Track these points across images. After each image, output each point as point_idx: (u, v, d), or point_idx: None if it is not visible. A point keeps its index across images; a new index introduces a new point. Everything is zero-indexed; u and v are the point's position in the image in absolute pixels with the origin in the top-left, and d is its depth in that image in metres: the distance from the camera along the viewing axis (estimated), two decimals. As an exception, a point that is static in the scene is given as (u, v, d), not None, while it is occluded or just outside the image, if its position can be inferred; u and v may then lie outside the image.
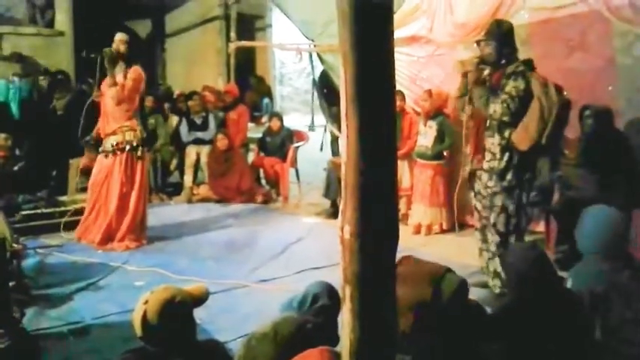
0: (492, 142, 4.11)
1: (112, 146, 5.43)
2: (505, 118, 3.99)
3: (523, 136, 3.96)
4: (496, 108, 4.02)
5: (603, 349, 2.45)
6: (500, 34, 4.05)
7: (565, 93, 4.08)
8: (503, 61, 4.05)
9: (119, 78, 5.44)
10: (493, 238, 4.14)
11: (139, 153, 5.49)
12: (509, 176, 4.06)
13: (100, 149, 5.56)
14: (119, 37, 5.47)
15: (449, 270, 1.94)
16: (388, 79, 1.14)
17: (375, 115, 1.13)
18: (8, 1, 9.31)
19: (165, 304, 2.23)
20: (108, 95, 5.47)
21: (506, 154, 4.04)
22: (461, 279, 1.94)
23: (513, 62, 4.04)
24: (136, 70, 5.47)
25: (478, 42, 4.18)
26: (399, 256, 1.50)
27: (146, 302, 2.21)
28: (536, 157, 4.15)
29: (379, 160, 1.15)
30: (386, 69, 1.14)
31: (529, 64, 4.08)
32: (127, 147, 5.41)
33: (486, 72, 4.15)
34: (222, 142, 7.50)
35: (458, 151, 5.84)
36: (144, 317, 2.17)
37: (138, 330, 2.20)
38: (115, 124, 5.45)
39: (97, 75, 5.46)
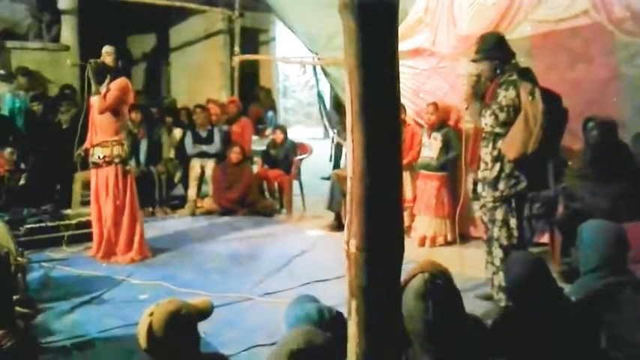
0: (485, 152, 4.13)
1: (99, 158, 5.43)
2: (497, 130, 4.01)
3: (510, 146, 3.96)
4: (487, 120, 4.05)
5: (608, 357, 2.43)
6: (491, 49, 4.07)
7: (563, 102, 4.07)
8: (498, 72, 4.08)
9: (103, 89, 5.44)
10: (497, 252, 4.12)
11: (127, 167, 5.51)
12: (501, 186, 4.05)
13: (90, 160, 5.56)
14: (105, 49, 5.52)
15: (423, 272, 1.86)
16: (393, 94, 1.15)
17: (381, 130, 1.14)
18: (14, 16, 9.40)
19: (171, 316, 2.22)
20: (94, 105, 5.49)
21: (498, 164, 4.05)
22: (426, 278, 1.83)
23: (507, 72, 4.05)
24: (121, 81, 5.47)
25: (474, 60, 4.21)
26: (405, 268, 1.49)
27: (152, 314, 2.21)
28: (532, 168, 4.12)
29: (385, 174, 1.15)
30: (391, 84, 1.15)
31: (524, 72, 4.09)
32: (117, 160, 5.42)
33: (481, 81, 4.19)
34: (236, 156, 7.51)
35: (462, 162, 5.86)
36: (149, 329, 2.17)
37: (143, 342, 2.19)
38: (103, 135, 5.45)
39: (85, 86, 5.49)
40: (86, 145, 5.59)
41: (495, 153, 4.06)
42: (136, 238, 5.54)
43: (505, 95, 3.97)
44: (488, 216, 4.17)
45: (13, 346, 2.66)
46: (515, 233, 4.07)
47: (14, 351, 2.65)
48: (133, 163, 6.34)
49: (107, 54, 5.49)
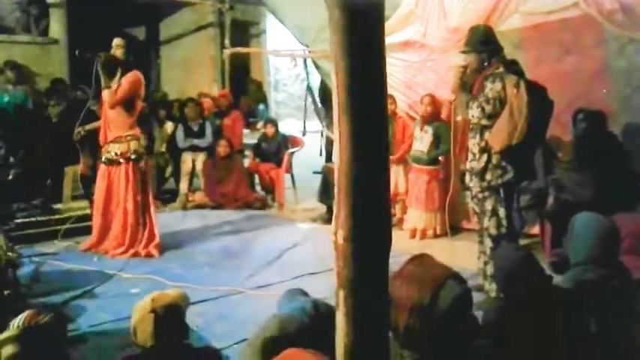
0: (473, 144, 4.20)
1: (116, 155, 5.33)
2: (483, 122, 4.07)
3: (496, 137, 4.02)
4: (474, 112, 4.10)
5: (599, 344, 2.45)
6: (480, 42, 4.12)
7: (550, 93, 4.11)
8: (485, 64, 4.11)
9: (114, 83, 5.33)
10: (487, 242, 4.18)
11: (142, 163, 5.42)
12: (488, 176, 4.12)
13: (103, 158, 5.45)
14: (116, 41, 5.41)
15: (455, 276, 1.88)
16: (380, 85, 1.15)
17: (367, 121, 1.14)
18: (2, 9, 9.31)
19: (172, 307, 2.24)
20: (105, 100, 5.39)
21: (485, 155, 4.11)
22: (463, 288, 1.88)
23: (494, 64, 4.08)
24: (134, 74, 5.36)
25: (463, 52, 4.25)
26: (397, 260, 1.50)
27: (152, 309, 2.21)
28: (519, 158, 4.15)
29: (372, 165, 1.16)
30: (378, 75, 1.15)
31: (511, 65, 4.12)
32: (134, 156, 5.33)
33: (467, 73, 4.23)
34: (223, 149, 7.50)
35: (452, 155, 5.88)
36: (156, 321, 2.17)
37: (143, 335, 2.19)
38: (118, 131, 5.35)
39: (93, 81, 5.35)
40: (100, 141, 5.49)
41: (483, 144, 4.12)
42: (156, 231, 5.50)
43: (491, 88, 4.03)
44: (479, 207, 4.22)
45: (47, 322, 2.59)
46: (505, 223, 4.13)
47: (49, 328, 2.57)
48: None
49: (117, 47, 5.37)
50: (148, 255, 5.39)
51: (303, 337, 1.72)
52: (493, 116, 4.02)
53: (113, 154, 5.36)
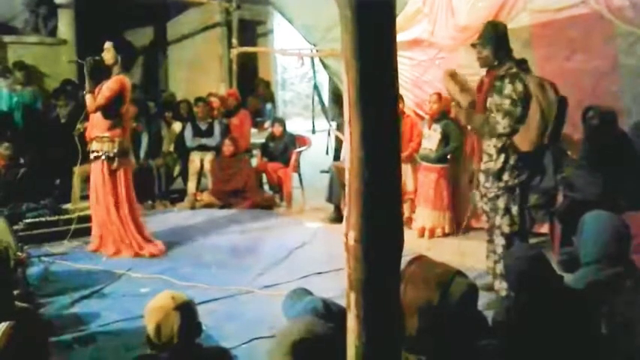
0: (488, 144, 4.13)
1: (95, 151, 5.44)
2: (504, 123, 3.98)
3: (525, 138, 3.97)
4: (498, 118, 4.01)
5: (610, 345, 2.43)
6: (497, 37, 4.06)
7: (560, 92, 4.08)
8: (495, 63, 4.07)
9: (96, 87, 5.38)
10: (499, 240, 4.14)
11: (115, 164, 5.44)
12: (505, 177, 4.08)
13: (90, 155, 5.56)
14: (105, 45, 5.45)
15: (459, 273, 1.90)
16: (391, 84, 1.14)
17: (379, 121, 1.13)
18: (11, 10, 9.35)
19: (192, 304, 2.27)
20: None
21: (502, 155, 4.06)
22: (470, 283, 1.90)
23: (506, 64, 4.04)
24: (115, 81, 5.36)
25: (474, 45, 4.20)
26: (404, 260, 1.49)
27: (176, 306, 2.21)
28: (534, 158, 4.14)
29: (383, 165, 1.15)
30: (389, 74, 1.13)
31: (522, 64, 4.08)
32: (103, 157, 5.40)
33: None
34: (228, 149, 7.51)
35: (462, 154, 5.86)
36: (184, 321, 2.17)
37: (169, 333, 2.18)
38: (96, 131, 5.44)
39: (85, 83, 5.45)
40: (86, 138, 5.58)
41: (500, 145, 4.05)
42: (135, 234, 5.50)
43: (513, 89, 3.95)
44: (490, 205, 4.19)
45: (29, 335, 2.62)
46: (517, 220, 4.10)
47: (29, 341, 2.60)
48: (132, 158, 6.27)
49: (106, 50, 5.42)
50: (135, 255, 5.40)
51: (331, 339, 1.72)
52: (518, 117, 3.95)
53: (92, 150, 5.46)
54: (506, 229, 4.10)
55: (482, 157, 4.19)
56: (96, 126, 5.46)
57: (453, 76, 4.96)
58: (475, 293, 1.90)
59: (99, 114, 5.41)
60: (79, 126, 5.81)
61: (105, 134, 5.42)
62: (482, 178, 4.22)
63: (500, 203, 4.11)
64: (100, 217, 5.50)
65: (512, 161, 4.05)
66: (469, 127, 4.40)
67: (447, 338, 1.79)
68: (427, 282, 1.79)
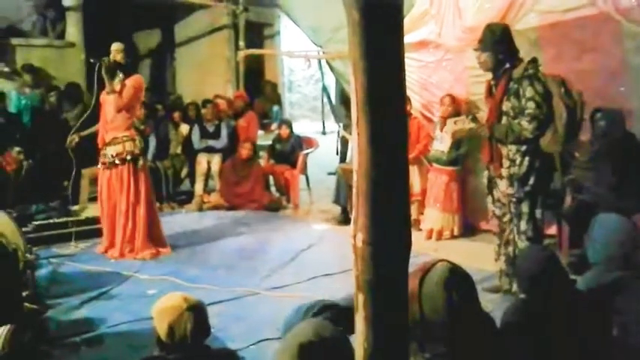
0: (510, 149, 4.05)
1: (112, 156, 5.40)
2: (532, 128, 3.89)
3: (553, 139, 3.92)
4: (524, 123, 3.93)
5: (621, 346, 2.42)
6: (494, 41, 4.02)
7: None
8: (507, 65, 4.02)
9: (117, 86, 5.41)
10: (520, 244, 4.06)
11: (141, 163, 5.47)
12: (531, 181, 4.01)
13: (101, 162, 5.51)
14: (115, 46, 5.47)
15: (447, 263, 1.88)
16: (399, 86, 1.14)
17: (387, 123, 1.13)
18: (19, 13, 9.41)
19: (202, 305, 2.27)
20: (107, 103, 5.47)
21: (527, 159, 3.99)
22: (452, 268, 1.85)
23: (518, 65, 4.00)
24: (137, 79, 5.47)
25: (475, 49, 4.18)
26: (414, 261, 1.49)
27: (189, 307, 2.22)
28: (553, 159, 4.13)
29: (391, 167, 1.15)
30: (397, 76, 1.14)
31: (536, 64, 4.05)
32: (129, 157, 5.39)
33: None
34: (247, 152, 7.52)
35: (472, 157, 5.83)
36: (196, 321, 2.18)
37: (182, 334, 2.19)
38: (114, 133, 5.43)
39: (95, 86, 5.46)
40: (99, 144, 5.55)
41: (523, 149, 3.98)
42: (153, 236, 5.53)
43: (536, 91, 3.88)
44: (512, 209, 4.10)
45: (29, 339, 2.66)
46: (540, 224, 4.07)
47: (30, 345, 2.65)
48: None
49: (117, 51, 5.44)
50: (151, 257, 5.41)
51: (339, 341, 1.72)
52: (545, 120, 3.89)
53: (110, 156, 5.42)
54: (531, 233, 4.04)
55: (502, 162, 4.11)
56: (115, 128, 5.43)
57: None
58: (462, 279, 1.86)
59: (118, 116, 5.41)
60: (72, 136, 5.77)
61: (125, 134, 5.42)
62: (503, 183, 4.12)
63: (525, 207, 4.04)
64: (113, 219, 5.48)
65: (537, 164, 3.99)
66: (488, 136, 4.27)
67: (433, 327, 1.78)
68: (412, 275, 1.79)
